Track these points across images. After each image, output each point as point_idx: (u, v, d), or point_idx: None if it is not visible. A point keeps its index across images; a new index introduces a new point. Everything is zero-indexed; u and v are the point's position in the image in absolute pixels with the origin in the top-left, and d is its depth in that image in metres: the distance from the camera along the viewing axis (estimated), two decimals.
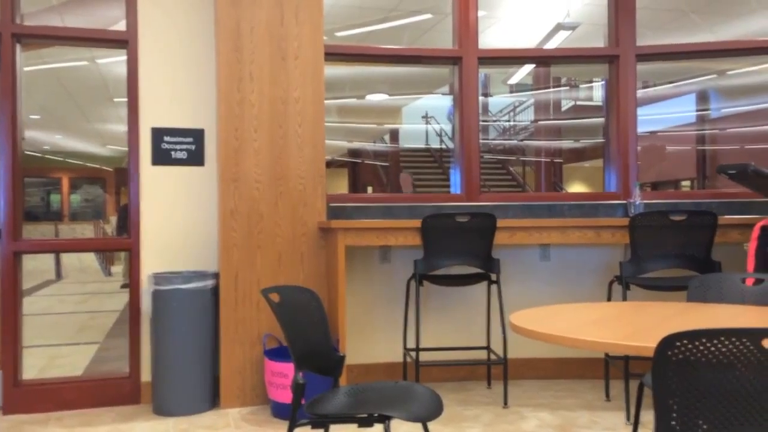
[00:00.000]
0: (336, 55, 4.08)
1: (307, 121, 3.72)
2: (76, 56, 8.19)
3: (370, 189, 16.76)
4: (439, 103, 14.52)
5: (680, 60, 4.40)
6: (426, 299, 4.08)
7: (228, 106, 3.59)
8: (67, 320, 7.02)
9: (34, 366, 4.64)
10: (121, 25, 3.84)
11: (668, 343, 1.23)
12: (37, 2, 5.68)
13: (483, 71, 4.37)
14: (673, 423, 1.27)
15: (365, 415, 1.90)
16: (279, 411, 3.36)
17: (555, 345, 4.08)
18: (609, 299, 3.75)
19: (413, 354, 3.99)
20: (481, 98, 4.38)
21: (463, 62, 4.18)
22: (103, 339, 5.74)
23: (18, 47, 3.62)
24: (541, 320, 1.80)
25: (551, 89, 13.29)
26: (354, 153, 16.95)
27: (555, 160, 13.68)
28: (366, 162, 16.75)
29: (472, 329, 4.12)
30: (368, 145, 16.46)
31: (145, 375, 3.69)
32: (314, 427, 1.96)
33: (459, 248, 3.51)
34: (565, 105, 14.80)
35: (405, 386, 2.11)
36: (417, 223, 3.44)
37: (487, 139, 15.51)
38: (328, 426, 2.05)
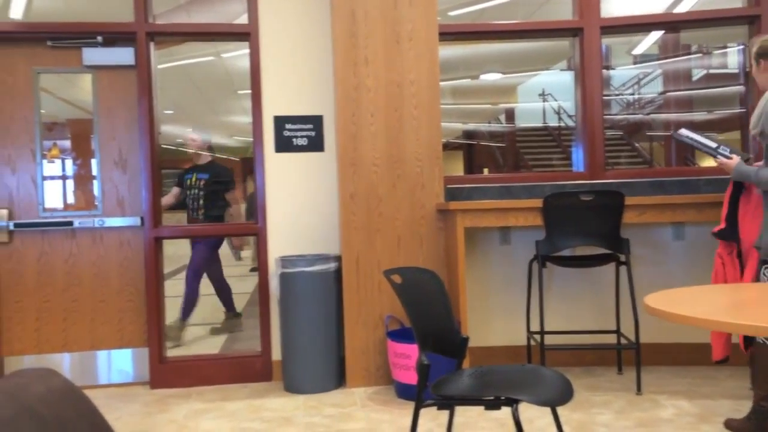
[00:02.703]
0: (450, 34, 4.02)
1: (422, 103, 3.70)
2: (203, 52, 8.65)
3: (485, 171, 16.51)
4: (557, 79, 14.00)
5: None
6: (548, 281, 3.96)
7: (345, 91, 3.65)
8: (203, 302, 7.48)
9: (177, 344, 4.99)
10: (243, 19, 3.99)
11: None
12: (167, 2, 6.04)
13: (605, 42, 4.15)
14: None
15: (492, 398, 1.87)
16: (403, 391, 3.40)
17: (691, 329, 3.83)
18: (757, 280, 3.46)
19: (537, 337, 3.89)
20: (603, 71, 4.16)
21: (585, 33, 3.98)
22: None
23: (152, 45, 3.86)
24: (678, 302, 1.68)
25: (680, 58, 12.43)
26: (469, 135, 16.75)
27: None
28: (481, 143, 16.51)
29: (599, 312, 3.95)
30: (483, 126, 16.20)
31: (276, 353, 3.86)
32: (440, 408, 1.96)
33: (584, 228, 3.37)
34: (697, 74, 13.79)
35: (532, 369, 2.06)
36: (538, 202, 3.33)
37: (611, 114, 14.79)
38: (454, 407, 2.04)
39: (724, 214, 3.01)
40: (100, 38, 3.82)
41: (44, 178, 3.92)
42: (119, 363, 3.93)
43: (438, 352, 2.08)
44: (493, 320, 3.96)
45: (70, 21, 3.78)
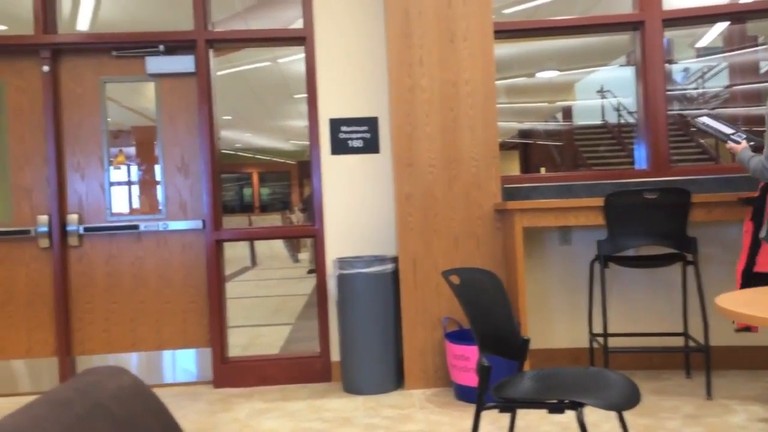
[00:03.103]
0: (505, 32, 3.97)
1: (477, 102, 3.66)
2: (259, 58, 8.82)
3: (542, 170, 16.24)
4: (616, 74, 13.64)
5: None
6: (611, 282, 3.86)
7: (399, 92, 3.65)
8: (263, 303, 7.62)
9: (238, 345, 5.09)
10: (298, 24, 4.04)
11: None
12: (224, 10, 6.18)
13: (667, 35, 4.00)
14: None
15: (555, 401, 1.83)
16: (462, 393, 3.37)
17: (765, 331, 3.67)
18: None
19: (600, 339, 3.80)
20: (665, 66, 4.02)
21: (646, 26, 3.87)
22: (294, 320, 6.15)
23: (211, 52, 3.96)
24: (750, 303, 1.61)
25: (747, 50, 11.92)
26: (524, 134, 16.52)
27: (753, 129, 12.28)
28: (537, 142, 16.25)
29: (665, 314, 3.82)
30: (539, 125, 15.95)
31: (334, 354, 3.88)
32: (501, 410, 1.93)
33: (648, 227, 3.27)
34: (765, 66, 13.20)
35: (596, 372, 2.00)
36: (599, 201, 3.25)
37: (673, 110, 14.32)
38: (515, 410, 2.01)
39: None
40: (162, 47, 3.94)
41: (111, 184, 4.07)
42: (183, 362, 4.03)
43: (498, 354, 2.05)
44: (553, 322, 3.89)
45: (133, 31, 3.91)
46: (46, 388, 3.89)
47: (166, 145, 4.06)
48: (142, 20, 6.37)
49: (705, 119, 3.26)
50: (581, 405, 1.80)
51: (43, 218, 3.85)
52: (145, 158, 4.13)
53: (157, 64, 3.99)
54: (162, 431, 0.96)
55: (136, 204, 4.13)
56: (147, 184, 4.12)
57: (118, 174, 4.13)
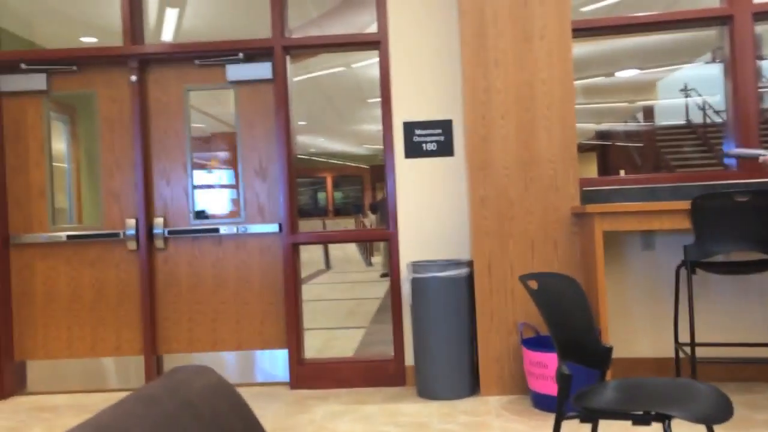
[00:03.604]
0: (584, 30, 3.86)
1: (555, 102, 3.58)
2: (333, 63, 8.95)
3: (622, 172, 15.71)
4: (701, 72, 13.05)
5: None
6: (698, 289, 3.68)
7: (474, 94, 3.61)
8: (337, 306, 7.71)
9: (313, 347, 5.17)
10: (373, 28, 4.07)
11: None
12: (300, 17, 6.30)
13: (758, 29, 3.78)
14: None
15: (641, 413, 1.76)
16: (540, 402, 3.29)
17: None
18: None
19: (687, 349, 3.63)
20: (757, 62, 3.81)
21: (735, 21, 3.68)
22: (368, 324, 6.19)
23: (287, 59, 4.04)
24: None
25: None
26: (603, 135, 16.04)
27: None
28: (616, 144, 15.74)
29: (757, 323, 3.61)
30: (618, 126, 15.45)
31: (408, 358, 3.88)
32: (582, 421, 1.87)
33: (740, 231, 3.10)
34: None
35: (684, 384, 1.91)
36: (685, 204, 3.11)
37: (766, 108, 13.55)
38: (597, 421, 1.94)
39: None
40: (241, 55, 4.05)
41: (194, 188, 4.22)
42: (261, 363, 4.12)
43: (578, 362, 1.99)
44: (636, 330, 3.75)
45: (214, 40, 4.04)
46: (132, 385, 4.07)
47: (244, 150, 4.17)
48: (222, 29, 6.59)
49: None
50: (669, 417, 1.72)
51: (131, 222, 4.03)
52: (225, 163, 4.26)
53: (237, 71, 4.11)
54: (245, 429, 0.98)
55: (217, 208, 4.27)
56: (227, 189, 4.25)
57: (200, 179, 4.27)
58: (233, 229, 4.13)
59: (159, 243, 4.13)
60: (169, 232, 4.14)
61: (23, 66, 4.06)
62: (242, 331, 4.15)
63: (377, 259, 14.93)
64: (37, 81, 4.07)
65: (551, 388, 3.19)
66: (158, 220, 4.14)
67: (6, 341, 4.02)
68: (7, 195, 4.10)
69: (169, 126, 4.18)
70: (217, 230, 4.14)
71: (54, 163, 4.15)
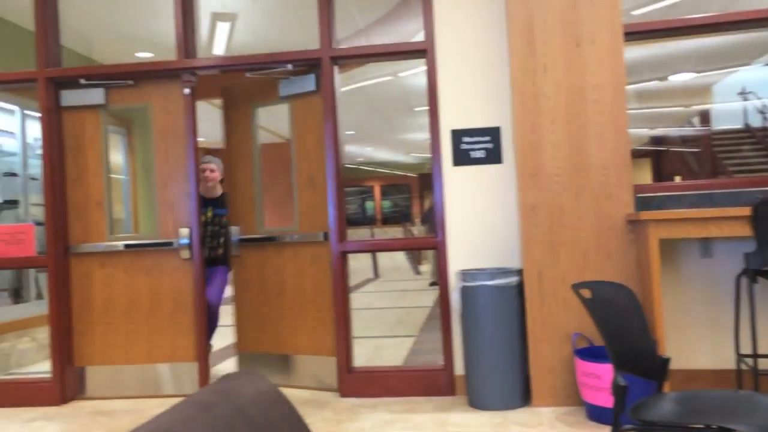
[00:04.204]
0: (636, 33, 3.78)
1: (606, 108, 3.51)
2: (380, 73, 9.00)
3: (677, 178, 15.28)
4: (760, 75, 12.60)
5: None
6: (761, 298, 3.54)
7: (523, 101, 3.57)
8: (386, 314, 7.71)
9: (362, 355, 5.18)
10: (419, 37, 4.08)
11: None
12: (348, 28, 6.37)
13: None
14: None
15: (702, 426, 1.69)
16: (594, 414, 3.21)
17: None
18: None
19: (749, 361, 3.49)
20: None
21: None
22: (417, 333, 6.16)
23: (335, 69, 4.08)
24: None
25: None
26: (656, 141, 15.64)
27: None
28: (671, 149, 15.33)
29: None
30: (673, 131, 15.03)
31: (458, 368, 3.85)
32: None
33: None
34: None
35: (746, 396, 1.83)
36: (746, 210, 2.99)
37: None
38: None
39: None
40: (290, 66, 4.11)
41: (261, 199, 4.40)
42: (312, 369, 4.15)
43: (634, 373, 1.94)
44: (694, 341, 3.62)
45: (263, 53, 4.10)
46: (186, 391, 4.15)
47: (297, 160, 4.24)
48: (271, 42, 6.70)
49: None
50: (730, 431, 1.65)
51: (184, 231, 4.13)
52: (281, 174, 4.39)
53: (290, 85, 4.22)
54: None
55: (277, 217, 4.41)
56: (281, 198, 4.35)
57: (267, 189, 4.48)
58: (289, 238, 4.22)
59: (236, 251, 4.38)
60: (240, 241, 4.35)
61: (82, 81, 4.21)
62: (298, 336, 4.20)
63: (425, 267, 14.88)
64: (95, 95, 4.22)
65: (606, 400, 3.11)
66: (235, 229, 4.40)
67: (67, 348, 4.16)
68: (68, 206, 4.25)
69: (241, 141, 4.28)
70: (275, 239, 4.25)
71: (111, 175, 4.29)
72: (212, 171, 4.70)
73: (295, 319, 4.22)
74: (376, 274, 14.34)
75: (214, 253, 4.72)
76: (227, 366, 4.93)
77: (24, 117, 5.70)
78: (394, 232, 18.77)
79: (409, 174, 21.94)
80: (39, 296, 5.66)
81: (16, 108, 5.64)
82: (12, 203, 5.47)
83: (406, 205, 22.08)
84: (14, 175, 5.57)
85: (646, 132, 15.25)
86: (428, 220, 11.14)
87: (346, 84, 9.23)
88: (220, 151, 14.67)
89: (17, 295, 5.53)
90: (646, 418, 1.76)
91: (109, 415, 3.82)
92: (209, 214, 4.69)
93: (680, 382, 3.61)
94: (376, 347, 5.53)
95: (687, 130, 14.80)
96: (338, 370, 3.96)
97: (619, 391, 1.83)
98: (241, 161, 4.51)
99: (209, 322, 4.55)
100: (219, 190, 4.77)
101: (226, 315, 7.93)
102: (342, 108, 4.19)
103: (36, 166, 5.65)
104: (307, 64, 4.11)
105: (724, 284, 3.58)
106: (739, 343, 3.47)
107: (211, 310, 4.52)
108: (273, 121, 4.85)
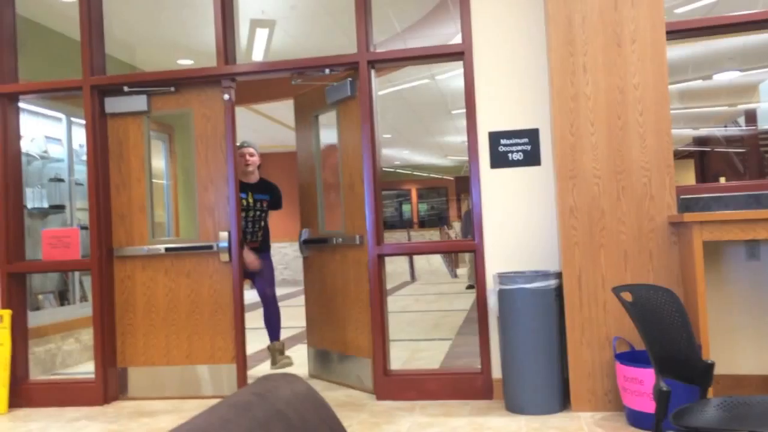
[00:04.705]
0: (679, 32, 3.70)
1: (648, 108, 3.44)
2: (417, 76, 9.00)
3: (722, 179, 14.89)
4: None
5: None
6: None
7: (562, 102, 3.53)
8: (422, 318, 7.69)
9: (399, 358, 5.17)
10: (456, 39, 4.06)
11: None
12: (385, 32, 6.38)
13: None
14: None
15: None
16: (635, 419, 3.15)
17: None
18: None
19: None
20: None
21: None
22: (454, 336, 6.13)
23: (372, 73, 4.09)
24: None
25: None
26: (700, 141, 15.28)
27: None
28: (716, 150, 14.95)
29: None
30: (717, 131, 14.66)
31: (496, 372, 3.81)
32: None
33: None
34: None
35: None
36: None
37: None
38: None
39: None
40: (328, 71, 4.14)
41: (323, 201, 4.57)
42: (350, 369, 4.17)
43: (677, 378, 1.89)
44: (739, 345, 3.52)
45: (302, 57, 4.14)
46: (225, 392, 4.21)
47: (343, 165, 4.28)
48: (308, 47, 6.77)
49: None
50: None
51: (224, 234, 4.19)
52: (331, 177, 4.49)
53: (333, 92, 4.29)
54: None
55: (330, 220, 4.52)
56: (332, 202, 4.44)
57: (326, 194, 4.62)
58: (336, 240, 4.29)
59: (304, 252, 4.61)
60: (304, 242, 4.63)
61: (126, 89, 4.31)
62: (348, 336, 4.23)
63: (462, 270, 14.80)
64: (138, 102, 4.31)
65: (647, 405, 3.05)
66: (304, 231, 4.61)
67: (110, 349, 4.26)
68: (112, 210, 4.36)
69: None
70: (326, 240, 4.40)
71: (153, 180, 4.38)
72: (251, 155, 4.80)
73: (344, 320, 4.30)
74: (413, 278, 14.32)
75: (254, 241, 4.77)
76: (265, 368, 4.99)
77: (70, 124, 5.87)
78: (431, 235, 18.72)
79: (446, 177, 21.85)
80: (83, 298, 5.82)
81: (62, 115, 5.81)
82: (58, 208, 5.63)
83: (443, 208, 21.99)
84: (61, 180, 5.73)
85: (690, 132, 14.91)
86: (466, 224, 11.08)
87: (383, 87, 9.25)
88: (290, 155, 14.90)
89: (63, 297, 5.69)
90: (689, 424, 1.72)
91: (150, 415, 3.89)
92: (250, 199, 4.75)
93: (725, 388, 3.51)
94: (413, 350, 5.52)
95: (732, 130, 14.42)
96: (374, 373, 3.97)
97: (661, 396, 1.79)
98: (306, 165, 4.74)
99: (272, 315, 4.67)
100: (257, 176, 4.84)
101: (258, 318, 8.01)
102: (379, 111, 4.20)
103: (81, 172, 5.81)
104: (346, 68, 4.14)
105: None
106: None
107: (268, 299, 4.62)
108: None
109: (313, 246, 4.60)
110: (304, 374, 4.71)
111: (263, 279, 4.75)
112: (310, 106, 4.67)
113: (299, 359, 5.19)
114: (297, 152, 4.84)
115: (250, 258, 4.62)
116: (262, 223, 4.83)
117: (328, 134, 4.55)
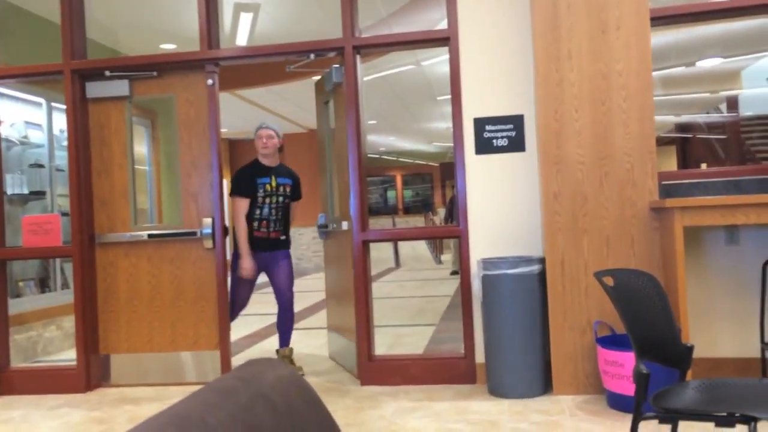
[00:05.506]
0: (663, 18, 3.72)
1: (632, 94, 3.46)
2: (402, 62, 8.96)
3: (703, 166, 15.03)
4: None
5: None
6: None
7: (546, 88, 3.53)
8: (406, 304, 7.73)
9: (383, 343, 5.20)
10: (442, 25, 4.05)
11: None
12: (370, 17, 6.34)
13: None
14: None
15: (725, 414, 1.68)
16: (616, 402, 3.20)
17: None
18: None
19: None
20: None
21: None
22: (438, 321, 6.17)
23: (358, 58, 4.07)
24: None
25: None
26: (682, 128, 15.39)
27: None
28: (697, 136, 15.07)
29: None
30: (699, 117, 14.78)
31: (479, 356, 3.84)
32: (662, 422, 1.80)
33: None
34: None
35: None
36: None
37: None
38: (677, 423, 1.86)
39: None
40: (312, 56, 4.12)
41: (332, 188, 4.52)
42: (352, 350, 4.18)
43: (657, 361, 1.92)
44: (718, 329, 3.58)
45: (285, 42, 4.11)
46: (209, 379, 4.20)
47: (334, 151, 4.27)
48: (293, 31, 6.71)
49: None
50: (755, 419, 1.63)
51: (207, 221, 4.17)
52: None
53: (328, 78, 4.27)
54: (318, 422, 1.00)
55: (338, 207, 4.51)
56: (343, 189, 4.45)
57: (335, 180, 4.60)
58: (331, 227, 4.27)
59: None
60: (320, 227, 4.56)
61: (107, 73, 4.26)
62: (345, 320, 4.22)
63: (447, 256, 14.86)
64: (120, 87, 4.26)
65: (627, 388, 3.09)
66: (320, 216, 4.65)
67: (91, 336, 4.24)
68: (93, 196, 4.31)
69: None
70: (325, 226, 4.43)
71: (136, 166, 4.34)
72: (270, 137, 4.27)
73: (348, 306, 4.31)
74: (398, 264, 14.35)
75: (276, 231, 4.29)
76: (249, 355, 4.99)
77: (50, 109, 5.79)
78: (416, 221, 18.75)
79: (431, 163, 21.86)
80: (65, 285, 5.77)
81: (42, 100, 5.73)
82: (39, 194, 5.56)
83: (428, 195, 22.02)
84: (41, 166, 5.66)
85: (672, 119, 15.03)
86: (450, 210, 11.10)
87: (368, 73, 9.21)
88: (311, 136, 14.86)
89: (43, 284, 5.64)
90: (669, 406, 1.75)
91: (133, 402, 3.89)
92: (273, 183, 4.27)
93: (704, 370, 3.57)
94: (397, 336, 5.55)
95: (714, 117, 14.54)
96: (359, 358, 3.99)
97: (641, 379, 1.82)
98: (319, 149, 4.88)
99: (287, 320, 4.27)
100: (278, 160, 4.36)
101: (254, 304, 7.99)
102: (365, 97, 4.19)
103: (62, 158, 5.74)
104: (333, 53, 4.11)
105: (749, 272, 3.53)
106: (764, 332, 3.43)
107: (285, 303, 4.26)
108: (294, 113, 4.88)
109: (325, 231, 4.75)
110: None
111: (281, 280, 4.29)
112: (321, 91, 4.77)
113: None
114: (317, 138, 4.97)
115: (247, 264, 4.18)
116: (287, 211, 4.36)
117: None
